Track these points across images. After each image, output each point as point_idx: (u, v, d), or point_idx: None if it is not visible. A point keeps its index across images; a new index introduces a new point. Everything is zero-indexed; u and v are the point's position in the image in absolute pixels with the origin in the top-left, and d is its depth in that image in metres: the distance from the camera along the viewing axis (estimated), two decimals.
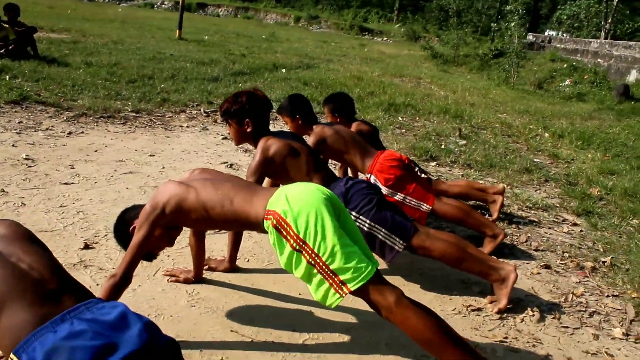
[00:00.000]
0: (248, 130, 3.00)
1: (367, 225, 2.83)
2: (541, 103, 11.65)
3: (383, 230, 2.83)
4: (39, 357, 1.32)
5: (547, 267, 3.51)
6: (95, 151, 4.78)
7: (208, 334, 2.37)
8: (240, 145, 5.37)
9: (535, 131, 8.04)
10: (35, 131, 5.15)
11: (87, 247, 3.00)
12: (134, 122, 5.91)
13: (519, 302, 2.97)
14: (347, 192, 2.90)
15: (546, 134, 7.97)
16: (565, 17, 25.40)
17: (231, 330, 2.42)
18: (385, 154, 3.67)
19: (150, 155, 4.83)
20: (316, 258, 1.98)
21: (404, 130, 7.01)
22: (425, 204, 3.53)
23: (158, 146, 5.15)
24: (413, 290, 2.99)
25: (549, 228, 4.23)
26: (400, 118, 7.72)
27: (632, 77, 13.61)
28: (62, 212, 3.44)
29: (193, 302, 2.62)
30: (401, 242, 2.82)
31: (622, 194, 5.22)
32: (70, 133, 5.23)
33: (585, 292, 3.24)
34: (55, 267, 1.59)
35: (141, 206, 2.32)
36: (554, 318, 2.88)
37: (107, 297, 2.04)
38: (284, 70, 10.83)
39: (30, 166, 4.22)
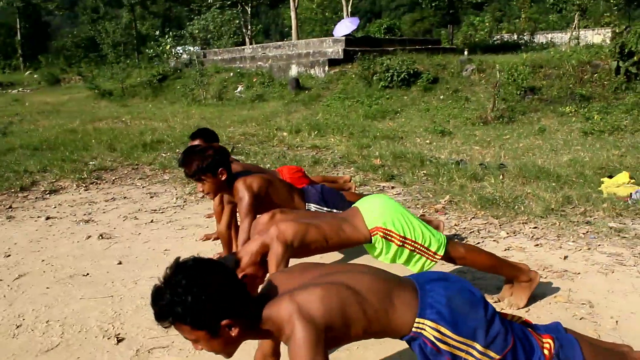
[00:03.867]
0: (223, 178, 3.33)
1: None
2: (241, 111, 12.96)
3: None
4: (443, 308, 1.90)
5: (422, 215, 4.64)
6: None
7: None
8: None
9: (275, 133, 9.22)
10: None
11: None
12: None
13: None
14: (322, 195, 3.54)
15: (284, 133, 9.23)
16: (197, 31, 27.40)
17: None
18: (286, 170, 4.28)
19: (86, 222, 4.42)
20: (415, 244, 2.79)
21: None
22: None
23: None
24: None
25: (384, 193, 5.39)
26: (163, 154, 8.02)
27: (293, 71, 15.93)
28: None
29: None
30: None
31: (393, 157, 6.73)
32: None
33: (457, 223, 4.46)
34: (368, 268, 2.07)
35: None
36: (462, 240, 4.00)
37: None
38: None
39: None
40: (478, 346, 1.92)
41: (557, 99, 10.90)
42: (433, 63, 14.11)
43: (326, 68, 15.16)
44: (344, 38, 15.80)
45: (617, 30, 10.84)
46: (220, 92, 16.27)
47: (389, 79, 13.48)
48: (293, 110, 12.42)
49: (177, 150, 8.30)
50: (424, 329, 1.91)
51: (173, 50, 20.12)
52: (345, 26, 15.98)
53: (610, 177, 5.72)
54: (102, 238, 4.63)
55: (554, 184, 5.60)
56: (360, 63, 14.33)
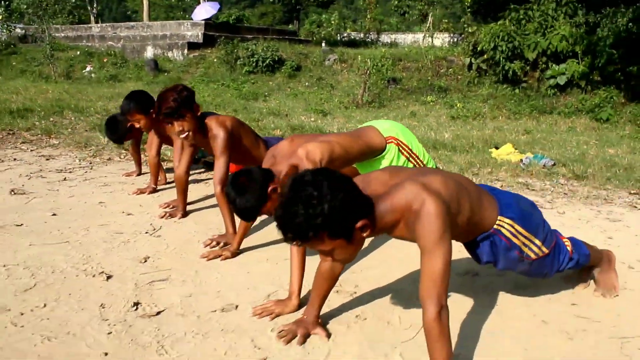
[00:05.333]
0: (198, 114, 3.21)
1: None
2: (100, 89, 12.11)
3: None
4: (516, 208, 2.16)
5: None
6: None
7: None
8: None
9: None
10: None
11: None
12: None
13: None
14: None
15: None
16: (25, 7, 24.94)
17: None
18: None
19: None
20: (417, 159, 2.98)
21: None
22: None
23: None
24: None
25: None
26: (36, 123, 7.29)
27: (149, 53, 15.26)
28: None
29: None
30: None
31: (291, 129, 6.82)
32: None
33: None
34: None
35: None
36: None
37: None
38: None
39: None
40: (537, 241, 2.19)
41: (417, 89, 11.72)
42: (295, 52, 14.39)
43: (185, 51, 14.74)
44: (203, 22, 15.48)
45: (469, 31, 11.93)
46: (67, 70, 15.06)
47: (253, 64, 13.49)
48: (157, 90, 11.87)
49: (51, 118, 7.60)
50: (503, 226, 2.11)
51: (5, 24, 18.20)
52: (205, 10, 15.68)
53: (497, 148, 6.34)
54: (15, 194, 4.13)
55: (450, 152, 6.07)
56: (223, 48, 14.15)
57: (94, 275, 2.69)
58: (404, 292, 2.62)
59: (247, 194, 2.39)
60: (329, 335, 2.17)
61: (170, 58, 14.89)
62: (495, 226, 2.11)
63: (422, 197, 1.80)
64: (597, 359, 2.07)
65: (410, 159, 2.96)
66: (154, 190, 4.26)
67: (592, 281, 2.70)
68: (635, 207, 4.33)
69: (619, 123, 9.18)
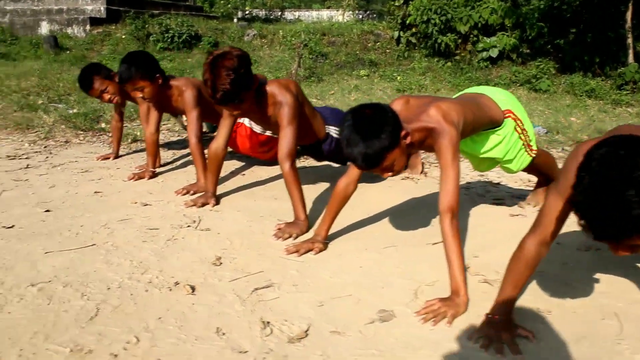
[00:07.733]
0: (255, 86, 2.60)
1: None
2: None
3: None
4: None
5: None
6: None
7: None
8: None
9: None
10: None
11: None
12: None
13: None
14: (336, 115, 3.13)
15: None
16: None
17: None
18: None
19: None
20: (527, 136, 2.57)
21: None
22: None
23: None
24: None
25: None
26: None
27: (44, 29, 13.70)
28: None
29: None
30: None
31: None
32: None
33: None
34: None
35: None
36: None
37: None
38: None
39: None
40: None
41: (347, 64, 11.31)
42: (211, 27, 13.50)
43: (87, 27, 13.38)
44: None
45: (397, 4, 11.61)
46: None
47: (169, 40, 12.46)
48: (66, 69, 10.63)
49: None
50: None
51: None
52: None
53: None
54: None
55: None
56: (131, 23, 12.96)
57: (170, 289, 1.99)
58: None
59: (378, 133, 1.85)
60: (532, 333, 1.69)
61: (70, 35, 13.46)
62: None
63: None
64: None
65: (522, 136, 2.56)
66: (154, 175, 3.51)
67: None
68: None
69: (557, 93, 9.31)
